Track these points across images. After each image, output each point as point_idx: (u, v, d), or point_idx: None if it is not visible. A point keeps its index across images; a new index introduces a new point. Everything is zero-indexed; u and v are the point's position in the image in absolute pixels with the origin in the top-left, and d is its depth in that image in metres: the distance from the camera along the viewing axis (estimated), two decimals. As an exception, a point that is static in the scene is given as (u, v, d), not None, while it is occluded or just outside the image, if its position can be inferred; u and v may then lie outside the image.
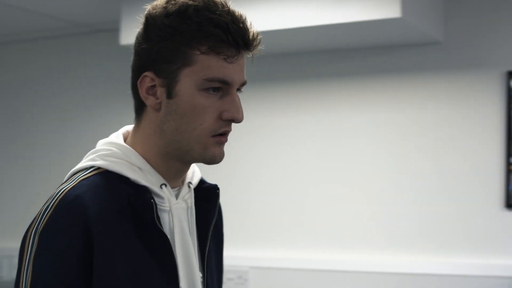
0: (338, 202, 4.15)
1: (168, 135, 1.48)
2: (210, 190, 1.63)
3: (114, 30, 4.32)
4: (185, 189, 1.57)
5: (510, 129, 3.85)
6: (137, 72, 1.50)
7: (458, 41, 3.96)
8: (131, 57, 1.54)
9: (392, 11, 3.43)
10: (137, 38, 1.52)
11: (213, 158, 1.49)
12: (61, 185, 1.47)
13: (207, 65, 1.44)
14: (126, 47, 4.18)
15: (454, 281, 3.85)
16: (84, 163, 1.51)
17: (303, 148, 4.22)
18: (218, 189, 1.63)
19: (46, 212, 1.41)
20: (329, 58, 4.21)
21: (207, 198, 1.61)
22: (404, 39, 3.91)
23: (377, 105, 4.12)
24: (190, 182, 1.59)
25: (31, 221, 1.45)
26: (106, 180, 1.46)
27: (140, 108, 1.53)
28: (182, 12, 1.44)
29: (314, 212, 4.20)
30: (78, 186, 1.43)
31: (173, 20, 1.44)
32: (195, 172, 1.63)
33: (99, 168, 1.49)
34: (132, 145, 1.52)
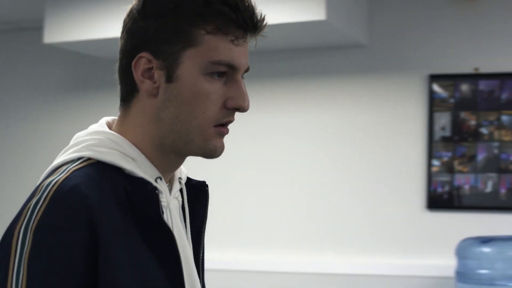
0: (267, 203, 4.17)
1: (165, 124, 1.32)
2: (198, 187, 1.47)
3: (37, 29, 4.24)
4: (176, 185, 1.42)
5: (432, 132, 3.92)
6: (129, 53, 1.32)
7: (382, 44, 4.02)
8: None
9: (317, 14, 3.46)
10: (130, 15, 1.33)
11: (214, 151, 1.35)
12: (47, 178, 1.27)
13: (213, 46, 1.29)
14: (49, 46, 4.14)
15: (378, 281, 3.90)
16: (68, 155, 1.32)
17: (236, 148, 4.21)
18: (207, 186, 1.48)
19: (38, 206, 1.21)
20: (255, 60, 4.21)
21: (195, 195, 1.46)
22: (329, 41, 3.95)
23: (304, 106, 4.14)
24: (180, 178, 1.44)
25: (12, 220, 1.26)
26: (100, 172, 1.28)
27: (129, 93, 1.35)
28: None
29: (251, 213, 4.21)
30: (72, 177, 1.25)
31: None
32: (182, 168, 1.47)
33: (89, 159, 1.30)
34: (120, 134, 1.34)
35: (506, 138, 3.87)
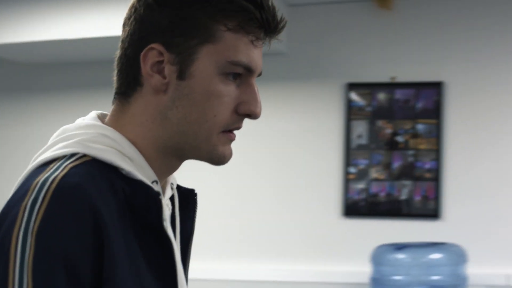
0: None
1: (172, 124, 1.20)
2: (187, 194, 1.36)
3: None
4: (168, 190, 1.31)
5: (349, 140, 3.96)
6: (137, 42, 1.20)
7: (301, 52, 4.05)
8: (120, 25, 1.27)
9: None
10: (142, 1, 1.21)
11: (223, 158, 1.24)
12: (39, 175, 1.12)
13: (234, 45, 1.19)
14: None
15: (293, 287, 3.91)
16: (58, 150, 1.17)
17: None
18: (195, 194, 1.36)
19: (37, 206, 1.08)
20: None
21: (184, 203, 1.35)
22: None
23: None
24: (172, 183, 1.33)
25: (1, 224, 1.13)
26: (98, 171, 1.15)
27: (130, 86, 1.22)
28: None
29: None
30: (72, 174, 1.11)
31: None
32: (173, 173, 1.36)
33: (84, 156, 1.16)
34: (117, 131, 1.22)
35: (421, 147, 3.94)
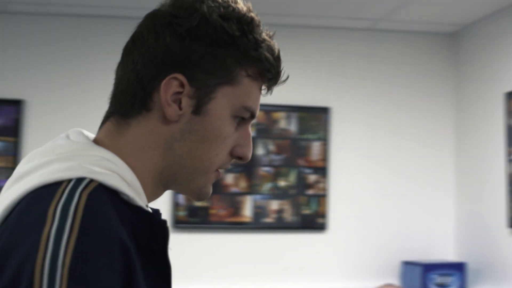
0: None
1: (175, 155, 1.19)
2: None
3: None
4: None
5: None
6: (158, 67, 1.17)
7: None
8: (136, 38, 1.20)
9: None
10: (172, 28, 1.17)
11: (206, 195, 1.25)
12: (52, 201, 1.04)
13: (249, 91, 1.21)
14: None
15: None
16: (60, 172, 1.09)
17: None
18: (160, 214, 1.27)
19: (65, 237, 1.00)
20: None
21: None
22: None
23: None
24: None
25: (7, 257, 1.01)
26: (107, 198, 1.08)
27: (135, 108, 1.18)
28: (244, 21, 1.20)
29: None
30: (94, 203, 1.04)
31: (233, 26, 1.18)
32: None
33: (91, 181, 1.08)
34: (115, 153, 1.16)
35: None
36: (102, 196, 1.07)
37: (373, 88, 4.06)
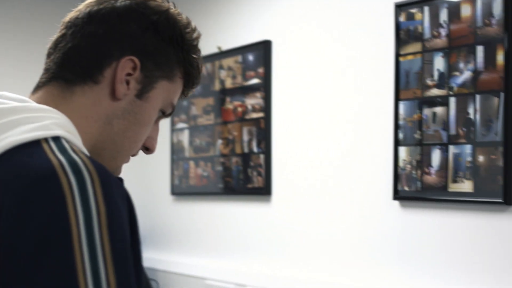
0: None
1: (111, 131, 1.27)
2: None
3: None
4: None
5: None
6: (118, 46, 1.26)
7: None
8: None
9: None
10: (142, 17, 1.29)
11: (118, 175, 1.31)
12: (46, 157, 1.07)
13: (178, 91, 1.35)
14: None
15: None
16: (36, 131, 1.13)
17: None
18: None
19: (89, 189, 1.05)
20: None
21: None
22: None
23: None
24: None
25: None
26: None
27: (81, 77, 1.24)
28: (192, 29, 1.35)
29: None
30: (91, 159, 1.11)
31: (184, 32, 1.33)
32: None
33: (66, 141, 1.15)
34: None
35: None
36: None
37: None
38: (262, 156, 3.01)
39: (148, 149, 1.36)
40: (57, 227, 1.02)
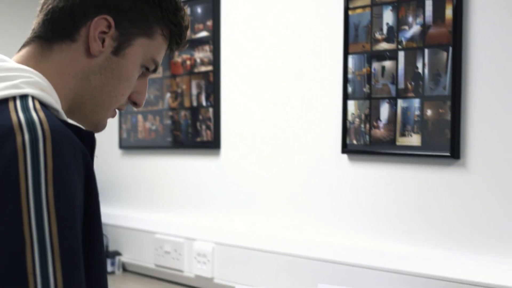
0: None
1: (89, 87, 1.36)
2: None
3: None
4: None
5: None
6: (91, 6, 1.34)
7: None
8: None
9: None
10: None
11: (103, 128, 1.43)
12: (8, 115, 1.17)
13: (160, 48, 1.43)
14: None
15: None
16: (5, 90, 1.22)
17: None
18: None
19: (41, 147, 1.13)
20: None
21: None
22: None
23: None
24: None
25: None
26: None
27: (59, 36, 1.34)
28: None
29: None
30: (51, 117, 1.19)
31: None
32: None
33: (34, 99, 1.23)
34: (42, 74, 1.30)
35: None
36: (48, 112, 1.22)
37: None
38: (211, 110, 2.99)
39: (135, 103, 1.45)
40: (7, 182, 1.10)
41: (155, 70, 1.46)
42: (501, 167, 2.03)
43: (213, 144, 2.96)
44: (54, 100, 1.27)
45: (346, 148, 2.42)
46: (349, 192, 2.43)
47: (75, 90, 1.35)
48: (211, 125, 2.98)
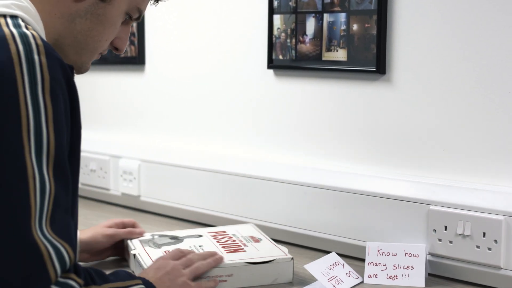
0: None
1: (74, 29, 1.41)
2: None
3: None
4: None
5: None
6: None
7: None
8: None
9: None
10: None
11: (85, 71, 1.50)
12: (10, 28, 1.25)
13: None
14: None
15: None
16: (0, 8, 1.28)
17: None
18: None
19: (36, 58, 1.20)
20: None
21: None
22: None
23: None
24: None
25: None
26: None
27: None
28: None
29: None
30: (37, 36, 1.24)
31: None
32: None
33: (22, 20, 1.29)
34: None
35: None
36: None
37: None
38: (134, 25, 2.91)
39: (117, 49, 1.52)
40: (4, 87, 1.15)
41: (138, 19, 1.51)
42: (425, 83, 2.03)
43: (137, 60, 2.89)
44: (40, 29, 1.33)
45: (272, 63, 2.38)
46: (275, 107, 2.41)
47: (59, 31, 1.40)
48: (135, 40, 2.90)
